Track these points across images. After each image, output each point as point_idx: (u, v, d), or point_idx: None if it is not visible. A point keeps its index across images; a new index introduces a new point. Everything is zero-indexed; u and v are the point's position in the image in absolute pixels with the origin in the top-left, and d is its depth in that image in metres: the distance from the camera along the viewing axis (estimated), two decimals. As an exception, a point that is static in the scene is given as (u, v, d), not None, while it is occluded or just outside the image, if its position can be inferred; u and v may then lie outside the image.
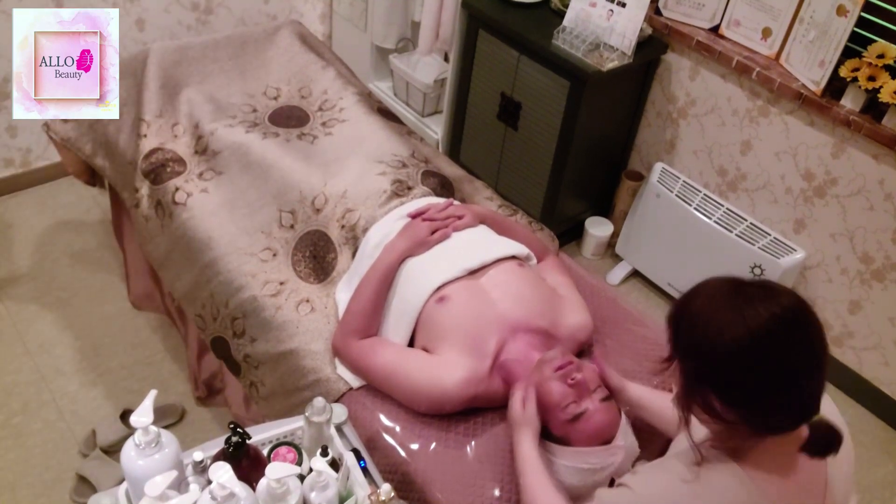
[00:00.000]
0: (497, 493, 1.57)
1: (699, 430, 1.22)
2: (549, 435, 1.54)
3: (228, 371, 2.04)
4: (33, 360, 2.48)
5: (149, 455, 1.24)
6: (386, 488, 1.30)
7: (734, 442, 1.15)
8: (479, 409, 1.71)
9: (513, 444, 1.52)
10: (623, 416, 1.54)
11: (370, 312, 1.79)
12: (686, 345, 1.15)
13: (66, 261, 2.84)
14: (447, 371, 1.65)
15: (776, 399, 1.08)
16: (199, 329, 2.07)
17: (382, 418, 1.70)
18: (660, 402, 1.56)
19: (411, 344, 1.79)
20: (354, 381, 1.76)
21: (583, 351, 1.85)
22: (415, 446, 1.65)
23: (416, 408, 1.69)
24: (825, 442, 1.10)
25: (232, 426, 1.31)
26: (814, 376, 1.09)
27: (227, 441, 1.30)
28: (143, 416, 1.24)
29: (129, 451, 1.26)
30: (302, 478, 1.32)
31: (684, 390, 1.16)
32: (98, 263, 2.84)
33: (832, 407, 1.23)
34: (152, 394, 1.28)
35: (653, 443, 1.78)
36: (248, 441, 1.32)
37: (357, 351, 1.76)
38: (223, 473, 1.18)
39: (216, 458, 1.32)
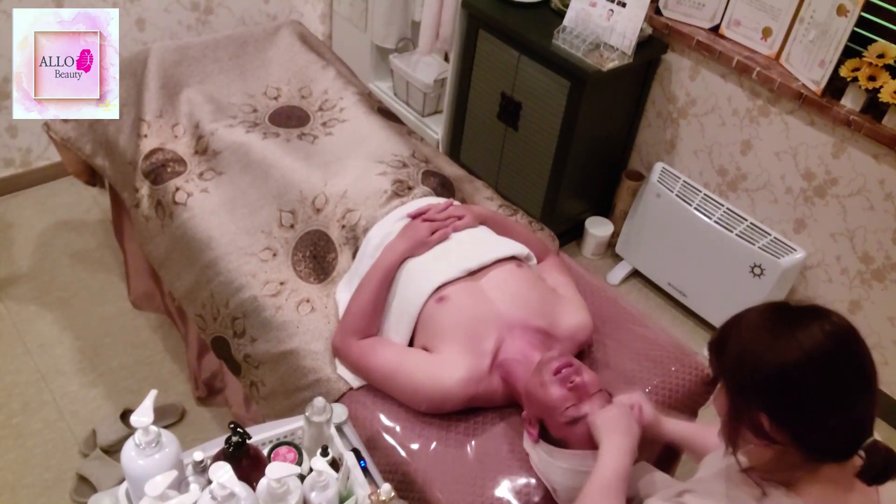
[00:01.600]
0: (497, 492, 1.57)
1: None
2: (547, 436, 1.54)
3: (229, 371, 2.04)
4: (33, 360, 2.48)
5: (149, 455, 1.24)
6: (386, 488, 1.30)
7: (787, 471, 1.12)
8: (479, 409, 1.71)
9: (609, 449, 1.39)
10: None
11: (370, 312, 1.79)
12: (733, 363, 1.11)
13: (66, 261, 2.84)
14: (447, 370, 1.65)
15: (828, 418, 1.05)
16: (200, 329, 2.07)
17: (382, 418, 1.70)
18: (701, 435, 1.50)
19: (411, 344, 1.79)
20: (354, 381, 1.76)
21: (583, 350, 1.85)
22: (415, 446, 1.65)
23: (416, 407, 1.69)
24: (882, 466, 1.06)
25: (232, 426, 1.31)
26: (865, 398, 1.07)
27: (228, 441, 1.30)
28: (143, 415, 1.24)
29: (129, 450, 1.26)
30: (302, 478, 1.32)
31: (732, 412, 1.12)
32: (98, 263, 2.84)
33: None
34: (152, 394, 1.28)
35: (650, 447, 1.78)
36: (248, 441, 1.32)
37: (357, 351, 1.76)
38: (223, 473, 1.18)
39: (216, 457, 1.32)
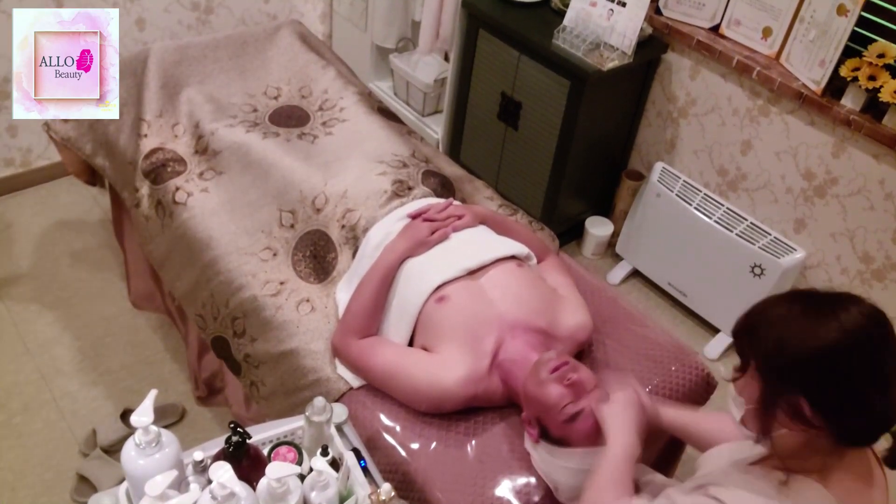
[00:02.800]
0: (497, 492, 1.57)
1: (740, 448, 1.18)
2: (547, 436, 1.54)
3: (229, 371, 2.04)
4: (33, 360, 2.48)
5: (149, 455, 1.24)
6: (386, 488, 1.30)
7: (810, 459, 1.12)
8: (479, 409, 1.71)
9: (617, 433, 1.41)
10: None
11: (370, 312, 1.79)
12: (771, 347, 1.09)
13: (66, 261, 2.84)
14: (447, 370, 1.65)
15: (867, 401, 1.05)
16: (200, 329, 2.07)
17: (383, 418, 1.70)
18: (703, 424, 1.51)
19: (411, 344, 1.79)
20: (354, 381, 1.76)
21: (583, 351, 1.85)
22: (415, 446, 1.65)
23: (416, 407, 1.69)
24: None
25: (232, 426, 1.31)
26: None
27: (228, 441, 1.30)
28: (143, 415, 1.24)
29: (129, 450, 1.26)
30: (302, 477, 1.33)
31: (766, 398, 1.11)
32: (98, 263, 2.84)
33: None
34: (153, 393, 1.28)
35: (650, 446, 1.78)
36: (248, 441, 1.32)
37: (357, 350, 1.76)
38: (223, 473, 1.18)
39: (216, 457, 1.32)
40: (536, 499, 1.56)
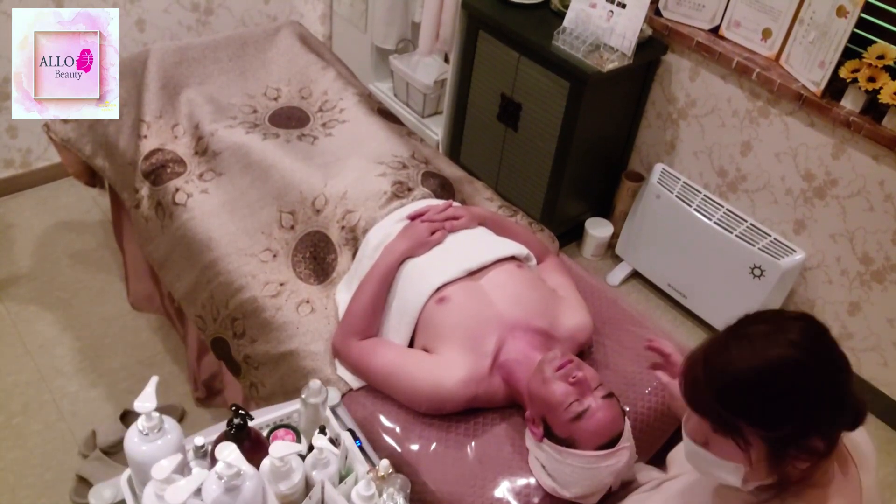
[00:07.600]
0: (497, 493, 1.57)
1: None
2: (552, 435, 1.53)
3: (228, 372, 2.04)
4: (33, 361, 2.48)
5: (152, 440, 1.25)
6: (384, 464, 1.33)
7: (817, 475, 1.10)
8: (479, 410, 1.71)
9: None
10: (625, 417, 1.54)
11: (370, 313, 1.79)
12: (778, 412, 1.04)
13: (66, 261, 2.84)
14: (447, 371, 1.65)
15: (847, 400, 1.06)
16: (200, 329, 2.07)
17: (382, 419, 1.69)
18: None
19: (411, 345, 1.79)
20: (354, 382, 1.76)
21: (583, 351, 1.84)
22: (415, 447, 1.65)
23: (416, 408, 1.69)
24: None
25: (234, 408, 1.32)
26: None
27: (230, 423, 1.31)
28: (146, 401, 1.24)
29: (132, 437, 1.26)
30: (302, 457, 1.35)
31: (777, 449, 1.06)
32: (98, 264, 2.84)
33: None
34: (154, 380, 1.28)
35: (650, 451, 1.78)
36: (249, 423, 1.33)
37: (357, 351, 1.76)
38: (229, 453, 1.19)
39: (218, 440, 1.33)
40: (536, 500, 1.56)
